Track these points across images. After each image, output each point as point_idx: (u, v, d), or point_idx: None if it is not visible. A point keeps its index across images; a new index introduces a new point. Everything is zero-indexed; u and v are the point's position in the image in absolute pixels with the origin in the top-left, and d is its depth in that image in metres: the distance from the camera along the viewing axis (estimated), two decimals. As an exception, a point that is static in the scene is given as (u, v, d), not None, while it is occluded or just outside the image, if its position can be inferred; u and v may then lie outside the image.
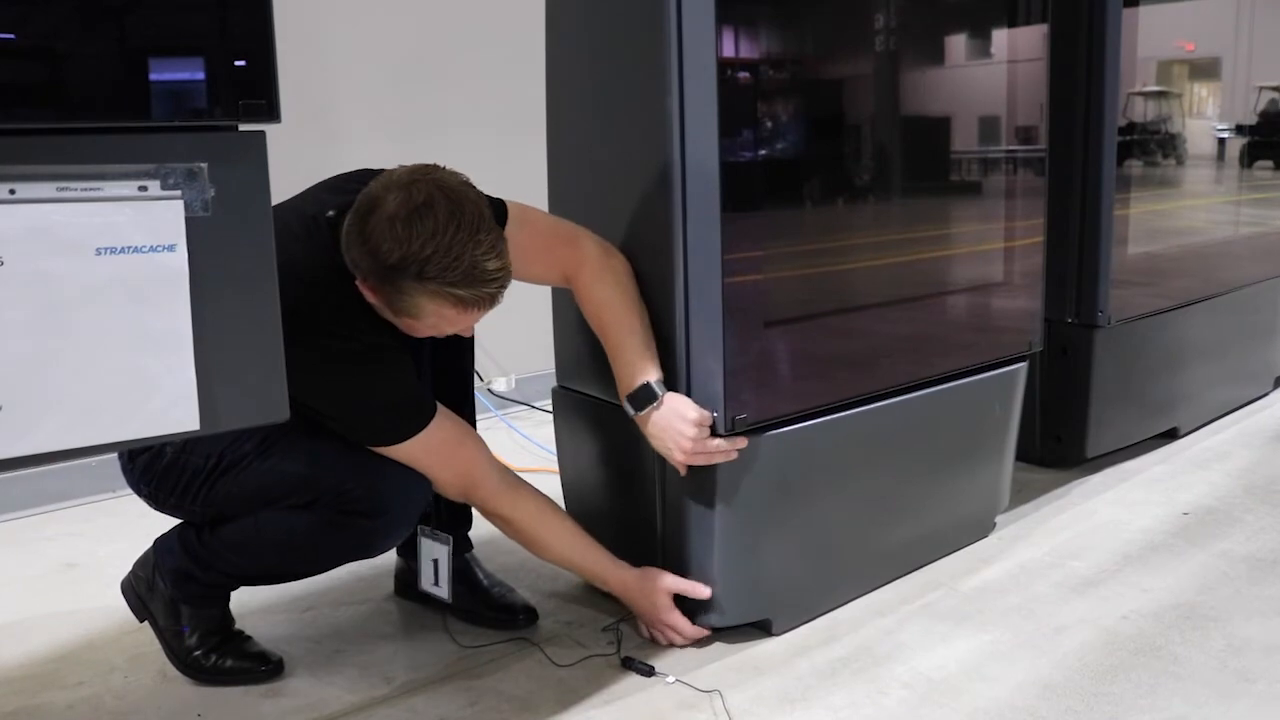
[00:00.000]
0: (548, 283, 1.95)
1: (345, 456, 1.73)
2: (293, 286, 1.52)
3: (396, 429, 1.72)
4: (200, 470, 1.74)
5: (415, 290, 1.58)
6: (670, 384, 1.83)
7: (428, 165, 1.64)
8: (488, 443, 1.85)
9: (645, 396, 1.81)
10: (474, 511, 2.01)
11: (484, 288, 1.59)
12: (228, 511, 1.78)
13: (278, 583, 2.01)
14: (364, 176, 1.72)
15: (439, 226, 1.54)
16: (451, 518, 2.01)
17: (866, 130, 2.17)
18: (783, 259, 1.95)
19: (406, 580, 2.13)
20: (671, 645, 1.91)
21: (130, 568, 1.90)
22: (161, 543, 1.86)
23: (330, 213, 1.69)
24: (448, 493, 1.82)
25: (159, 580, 1.84)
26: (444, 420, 1.76)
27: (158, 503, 1.82)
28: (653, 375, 1.81)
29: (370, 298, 1.65)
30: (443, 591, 1.96)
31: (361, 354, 1.68)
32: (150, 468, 1.77)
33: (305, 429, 1.72)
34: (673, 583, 1.89)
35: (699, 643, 1.93)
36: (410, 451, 1.73)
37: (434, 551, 1.95)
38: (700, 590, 1.88)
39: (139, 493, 1.82)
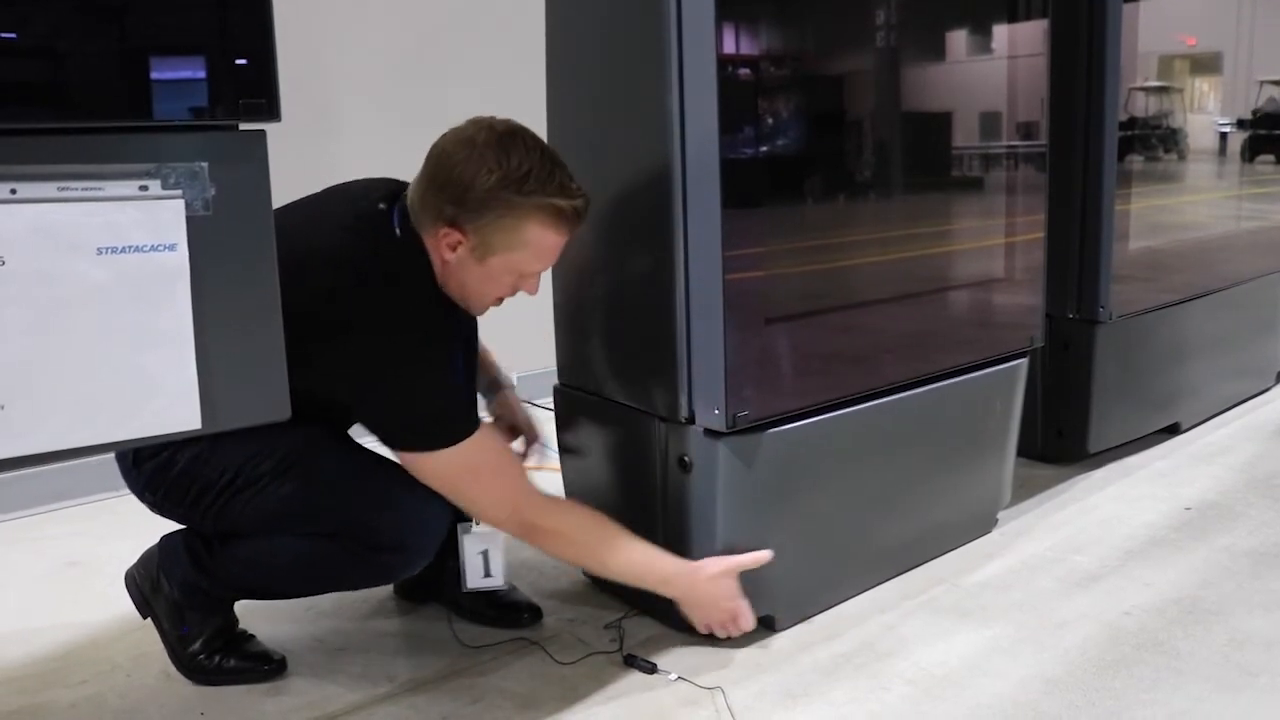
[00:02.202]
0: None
1: (369, 488, 1.70)
2: (346, 275, 1.59)
3: (444, 434, 1.63)
4: (213, 485, 1.70)
5: (517, 207, 1.60)
6: (671, 382, 1.84)
7: (485, 116, 1.69)
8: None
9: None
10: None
11: (577, 200, 1.64)
12: (240, 529, 1.75)
13: (286, 599, 1.99)
14: (387, 182, 1.78)
15: (529, 148, 1.62)
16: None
17: (867, 126, 2.17)
18: (783, 255, 1.94)
19: (407, 580, 2.13)
20: (729, 637, 1.88)
21: (135, 562, 1.89)
22: (167, 546, 1.83)
23: (381, 205, 1.70)
24: (492, 517, 1.75)
25: (164, 580, 1.82)
26: (490, 432, 1.72)
27: (162, 510, 1.79)
28: None
29: (451, 251, 1.64)
30: (498, 580, 1.91)
31: (419, 348, 1.63)
32: (159, 476, 1.73)
33: (326, 452, 1.72)
34: (734, 562, 1.83)
35: (701, 640, 1.93)
36: (450, 462, 1.64)
37: (482, 544, 1.91)
38: (761, 557, 1.84)
39: (141, 498, 1.79)
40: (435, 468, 1.66)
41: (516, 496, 1.73)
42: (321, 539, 1.72)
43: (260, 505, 1.69)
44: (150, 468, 1.73)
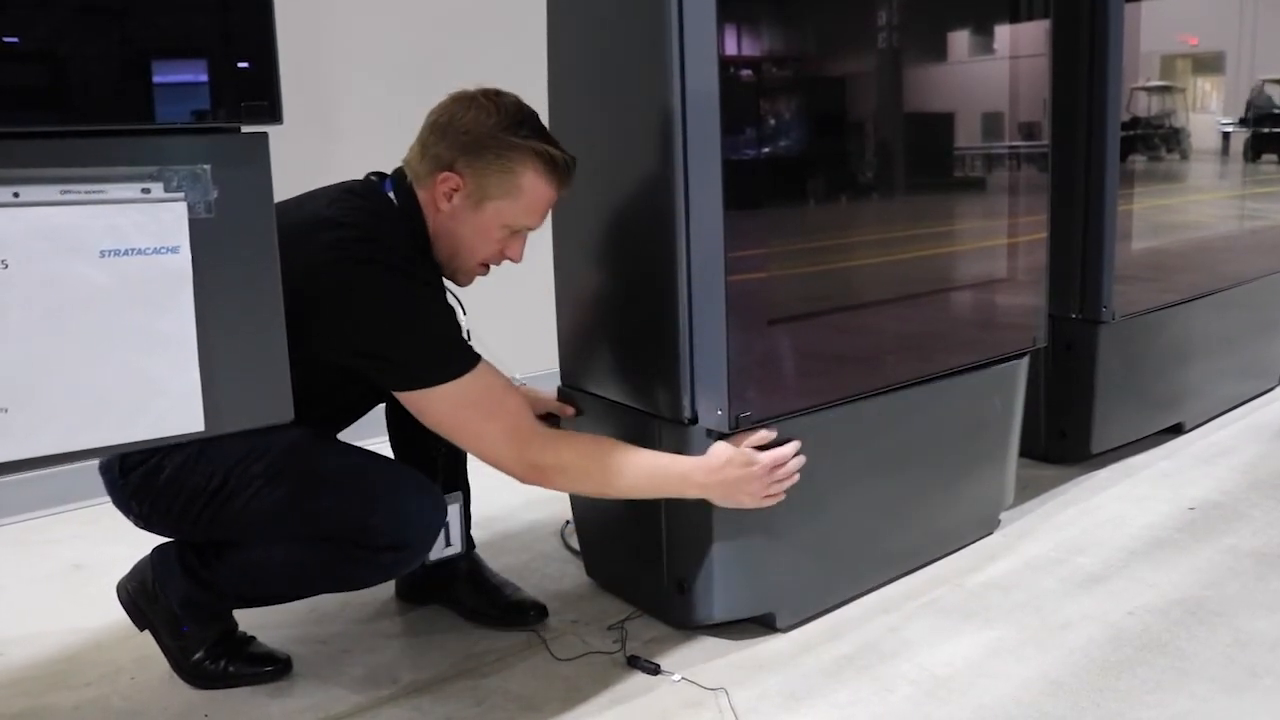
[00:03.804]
0: None
1: (363, 486, 1.70)
2: (343, 230, 1.65)
3: (448, 364, 1.64)
4: (201, 491, 1.67)
5: (514, 149, 1.69)
6: (673, 383, 1.84)
7: None
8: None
9: None
10: (472, 511, 2.01)
11: (566, 153, 1.73)
12: (233, 536, 1.74)
13: (285, 603, 1.97)
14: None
15: (518, 102, 1.75)
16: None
17: (869, 127, 2.17)
18: (786, 256, 1.94)
19: (409, 581, 2.12)
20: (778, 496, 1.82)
21: (126, 573, 1.86)
22: (160, 559, 1.80)
23: (372, 177, 1.79)
24: (500, 455, 1.69)
25: (160, 592, 1.80)
26: (490, 367, 1.70)
27: (149, 523, 1.76)
28: None
29: (447, 200, 1.71)
30: (457, 546, 1.88)
31: (422, 286, 1.68)
32: (145, 486, 1.70)
33: (317, 453, 1.71)
34: (744, 442, 1.79)
35: (704, 641, 1.93)
36: (458, 396, 1.64)
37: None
38: (765, 435, 1.81)
39: (127, 511, 1.76)
40: (439, 404, 1.65)
41: (520, 433, 1.69)
42: (318, 541, 1.71)
43: (254, 509, 1.67)
44: (136, 478, 1.71)
